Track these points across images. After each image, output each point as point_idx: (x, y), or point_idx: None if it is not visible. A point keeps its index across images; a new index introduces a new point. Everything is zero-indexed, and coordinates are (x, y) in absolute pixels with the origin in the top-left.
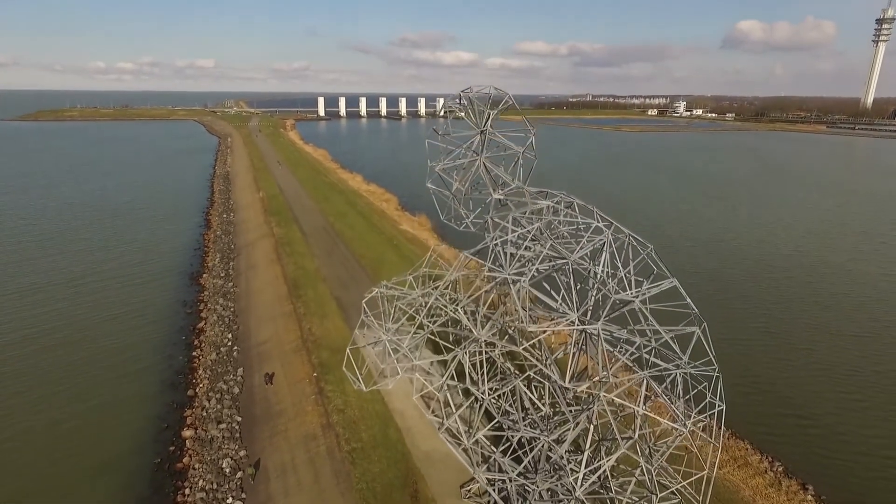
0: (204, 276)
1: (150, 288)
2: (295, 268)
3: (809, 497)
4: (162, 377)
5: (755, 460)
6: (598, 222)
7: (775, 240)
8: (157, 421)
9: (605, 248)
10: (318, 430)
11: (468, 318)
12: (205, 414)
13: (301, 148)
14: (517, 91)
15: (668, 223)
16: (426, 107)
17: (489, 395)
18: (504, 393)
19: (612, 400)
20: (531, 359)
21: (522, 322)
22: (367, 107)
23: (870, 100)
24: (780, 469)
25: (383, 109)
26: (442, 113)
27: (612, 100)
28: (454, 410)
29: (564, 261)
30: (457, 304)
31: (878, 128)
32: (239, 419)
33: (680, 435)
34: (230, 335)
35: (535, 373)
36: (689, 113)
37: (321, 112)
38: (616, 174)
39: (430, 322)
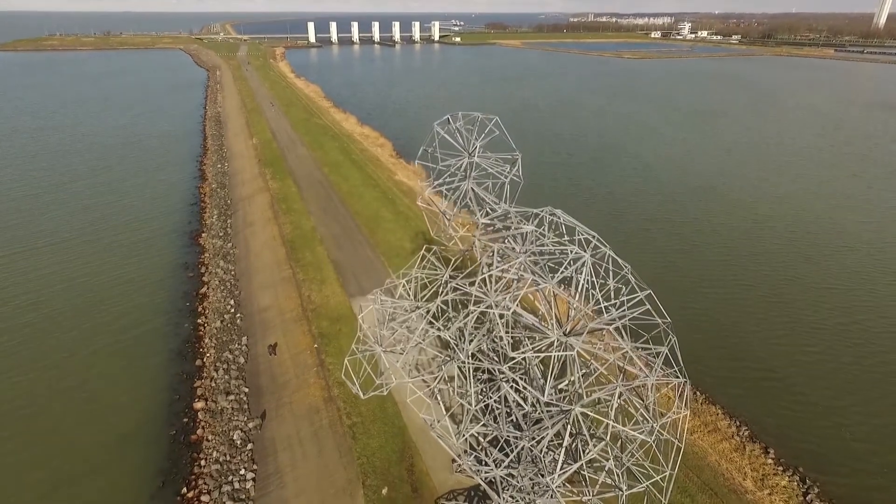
0: (203, 235)
1: (150, 250)
2: (292, 227)
3: (769, 460)
4: (170, 346)
5: (724, 425)
6: (582, 235)
7: (765, 189)
8: (170, 392)
9: (584, 267)
10: (321, 402)
11: (456, 334)
12: (213, 385)
13: (292, 83)
14: (516, 9)
15: (662, 167)
16: (421, 31)
17: (475, 399)
18: (489, 394)
19: (587, 413)
20: (513, 375)
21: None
22: (359, 32)
23: (883, 17)
24: (746, 434)
25: (376, 35)
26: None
27: (614, 20)
28: (444, 413)
29: (546, 285)
30: (446, 322)
31: (889, 51)
32: (246, 390)
33: (648, 435)
34: (232, 301)
35: (516, 381)
36: (693, 35)
37: (312, 38)
38: (615, 107)
39: (421, 340)
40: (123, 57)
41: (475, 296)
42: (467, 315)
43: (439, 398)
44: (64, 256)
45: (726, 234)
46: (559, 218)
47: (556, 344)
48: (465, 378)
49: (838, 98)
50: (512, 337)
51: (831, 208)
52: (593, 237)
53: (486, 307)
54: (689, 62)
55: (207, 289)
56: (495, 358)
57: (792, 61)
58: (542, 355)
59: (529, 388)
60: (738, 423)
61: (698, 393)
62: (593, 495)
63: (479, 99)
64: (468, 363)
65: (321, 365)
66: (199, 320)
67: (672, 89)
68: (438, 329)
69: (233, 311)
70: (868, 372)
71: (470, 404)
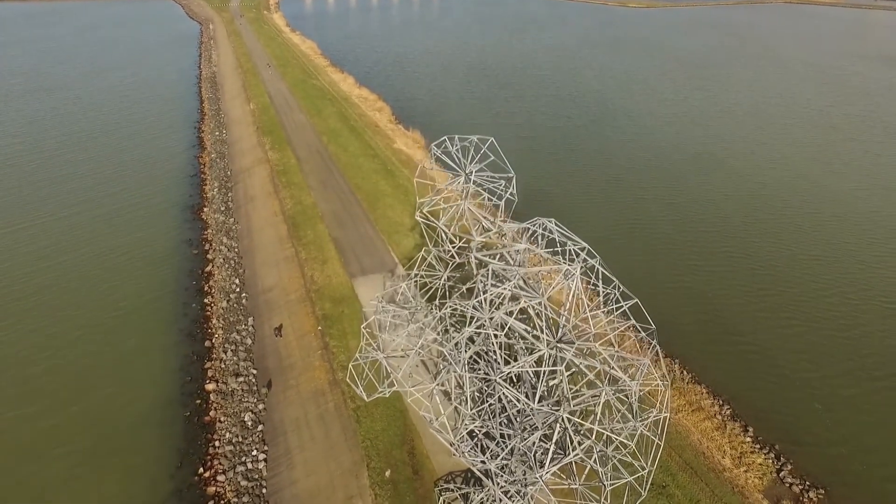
0: (205, 209)
1: (153, 225)
2: (293, 203)
3: (748, 438)
4: (179, 326)
5: (707, 404)
6: (575, 245)
7: (755, 159)
8: (182, 373)
9: (574, 280)
10: (326, 385)
11: (452, 349)
12: (223, 366)
13: (288, 39)
14: None
15: (661, 131)
16: None
17: (470, 405)
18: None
19: (571, 417)
20: (507, 388)
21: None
22: None
23: None
24: (728, 412)
25: None
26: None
27: None
28: (442, 412)
29: (538, 299)
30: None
31: None
32: (254, 372)
33: (629, 438)
34: (237, 280)
35: (510, 382)
36: None
37: None
38: (616, 63)
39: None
40: (111, 7)
41: (470, 313)
42: (462, 332)
43: (438, 400)
44: (65, 232)
45: (721, 204)
46: (552, 231)
47: (546, 357)
48: (462, 385)
49: (844, 52)
50: (507, 337)
51: (827, 175)
52: (583, 249)
53: (480, 325)
54: (695, 10)
55: (212, 267)
56: (492, 359)
57: (800, 10)
58: (534, 369)
59: (521, 396)
60: (721, 402)
61: (685, 372)
62: (580, 484)
63: (479, 54)
64: (465, 374)
65: (325, 348)
66: (206, 300)
67: (676, 41)
68: (437, 342)
69: (238, 290)
70: (843, 344)
71: (466, 408)
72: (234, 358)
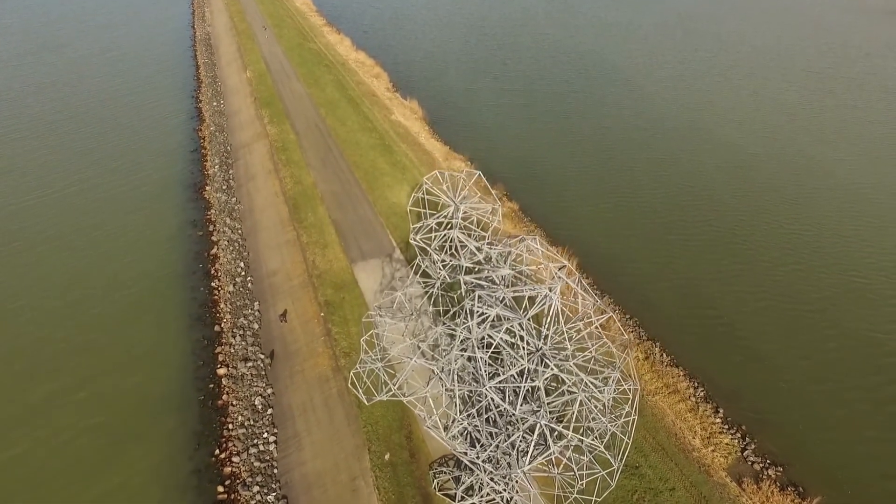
0: (207, 188)
1: (156, 204)
2: (293, 183)
3: (718, 420)
4: (189, 310)
5: (683, 387)
6: (555, 262)
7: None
8: (194, 357)
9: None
10: (330, 372)
11: (443, 365)
12: (233, 351)
13: None
14: None
15: (657, 94)
16: None
17: (459, 411)
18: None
19: (549, 425)
20: (493, 395)
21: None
22: None
23: None
24: (702, 394)
25: None
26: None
27: None
28: (435, 412)
29: (519, 318)
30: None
31: None
32: (262, 356)
33: (600, 439)
34: (242, 263)
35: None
36: None
37: None
38: (614, 17)
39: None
40: None
41: (459, 336)
42: (451, 352)
43: (431, 403)
44: (68, 210)
45: (711, 175)
46: (535, 250)
47: (527, 371)
48: (451, 398)
49: (846, 6)
50: (495, 351)
51: (815, 143)
52: (563, 265)
53: (466, 346)
54: None
55: (217, 249)
56: (481, 369)
57: None
58: (514, 385)
59: (504, 405)
60: (696, 384)
61: (664, 355)
62: (558, 473)
63: (478, 7)
64: (455, 388)
65: (328, 335)
66: (213, 283)
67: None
68: (431, 358)
69: (243, 273)
70: (813, 322)
71: (456, 411)
72: (243, 343)
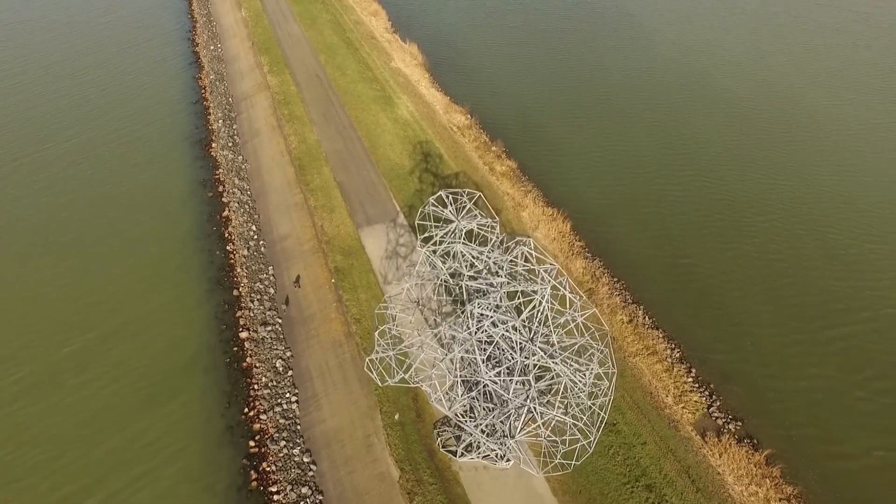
0: (213, 145)
1: (163, 163)
2: (298, 141)
3: (690, 379)
4: (208, 274)
5: (662, 348)
6: (546, 266)
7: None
8: (217, 321)
9: (544, 303)
10: (342, 337)
11: (448, 363)
12: (252, 315)
13: None
14: None
15: (664, 44)
16: None
17: (461, 393)
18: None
19: (537, 407)
20: (491, 382)
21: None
22: None
23: None
24: (678, 355)
25: None
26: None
27: None
28: (439, 390)
29: (513, 322)
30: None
31: None
32: (280, 321)
33: (580, 415)
34: (254, 227)
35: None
36: None
37: None
38: None
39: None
40: None
41: (460, 336)
42: (454, 352)
43: (437, 383)
44: (77, 168)
45: (701, 125)
46: (530, 253)
47: (518, 364)
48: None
49: None
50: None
51: (815, 90)
52: (554, 266)
53: (465, 349)
54: None
55: (229, 211)
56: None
57: None
58: (513, 378)
59: (500, 391)
60: (673, 346)
61: (647, 318)
62: (545, 437)
63: None
64: (457, 380)
65: (339, 301)
66: (229, 247)
67: None
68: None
69: (256, 237)
70: (786, 283)
71: (457, 392)
72: (261, 307)
